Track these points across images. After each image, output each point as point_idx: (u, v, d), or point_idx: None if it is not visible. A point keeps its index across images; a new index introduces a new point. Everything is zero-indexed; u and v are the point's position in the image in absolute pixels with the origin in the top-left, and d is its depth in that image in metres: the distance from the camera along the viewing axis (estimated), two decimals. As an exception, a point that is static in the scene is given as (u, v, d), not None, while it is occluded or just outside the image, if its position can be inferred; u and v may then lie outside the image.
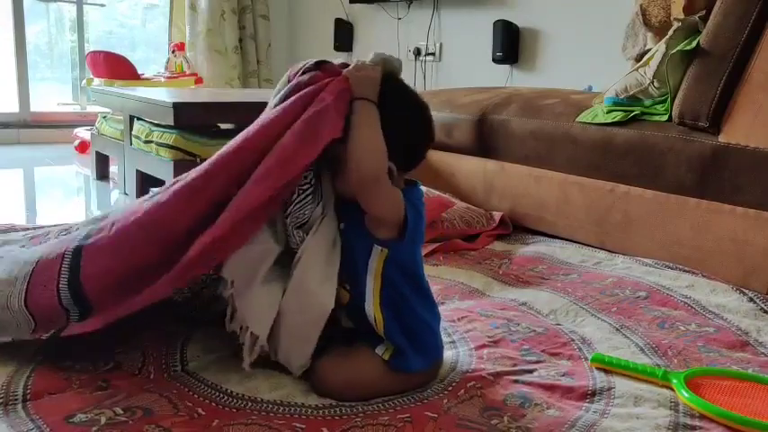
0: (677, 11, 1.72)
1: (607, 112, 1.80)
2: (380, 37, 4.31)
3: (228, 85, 4.72)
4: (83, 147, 3.77)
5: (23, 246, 1.30)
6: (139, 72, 4.16)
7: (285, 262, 1.05)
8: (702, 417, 1.00)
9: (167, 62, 4.61)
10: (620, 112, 1.77)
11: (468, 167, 2.20)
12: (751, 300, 1.45)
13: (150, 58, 5.01)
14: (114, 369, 1.08)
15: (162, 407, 0.97)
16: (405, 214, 1.02)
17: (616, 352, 1.21)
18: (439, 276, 1.60)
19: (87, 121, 4.08)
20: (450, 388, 1.06)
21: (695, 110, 1.60)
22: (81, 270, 1.04)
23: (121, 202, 2.69)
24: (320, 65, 1.09)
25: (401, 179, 1.07)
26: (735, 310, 1.40)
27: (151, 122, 2.58)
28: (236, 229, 0.99)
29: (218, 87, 4.56)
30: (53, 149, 3.94)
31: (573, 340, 1.26)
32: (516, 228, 2.03)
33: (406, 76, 1.21)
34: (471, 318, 1.34)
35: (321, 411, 0.98)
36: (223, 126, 2.77)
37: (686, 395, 1.03)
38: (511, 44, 3.46)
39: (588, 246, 1.85)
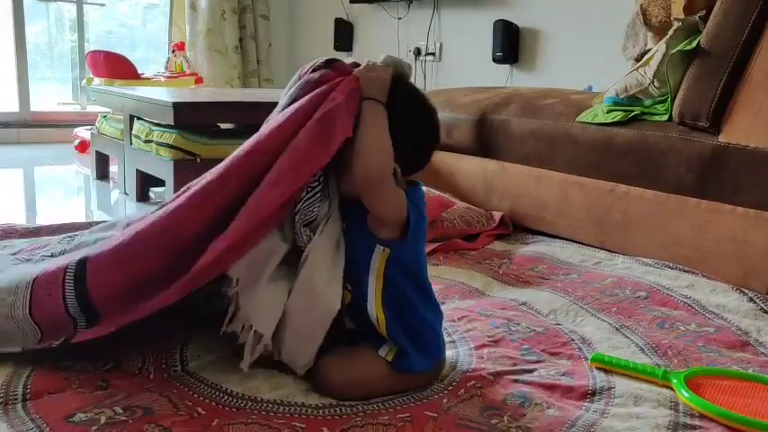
0: (677, 11, 1.72)
1: (607, 112, 1.80)
2: (380, 37, 4.31)
3: (228, 84, 4.72)
4: (83, 146, 3.77)
5: (28, 259, 1.29)
6: (139, 72, 4.16)
7: (291, 261, 1.05)
8: (702, 416, 1.00)
9: (167, 62, 4.61)
10: (620, 112, 1.77)
11: (469, 167, 2.20)
12: (751, 300, 1.45)
13: (150, 58, 5.01)
14: (114, 369, 1.08)
15: (162, 406, 0.97)
16: (407, 214, 1.02)
17: (616, 352, 1.21)
18: (439, 276, 1.60)
19: (87, 120, 4.08)
20: (450, 387, 1.06)
21: (695, 110, 1.60)
22: (87, 278, 1.03)
23: (122, 202, 2.69)
24: (331, 63, 1.09)
25: (404, 180, 1.07)
26: (735, 310, 1.40)
27: (151, 122, 2.58)
28: (250, 237, 0.99)
29: (219, 87, 4.57)
30: (53, 149, 3.95)
31: (573, 340, 1.26)
32: (516, 228, 2.03)
33: (407, 76, 1.21)
34: (471, 317, 1.34)
35: (321, 411, 0.98)
36: (223, 126, 2.78)
37: (686, 395, 1.03)
38: (511, 44, 3.46)
39: (588, 246, 1.85)
